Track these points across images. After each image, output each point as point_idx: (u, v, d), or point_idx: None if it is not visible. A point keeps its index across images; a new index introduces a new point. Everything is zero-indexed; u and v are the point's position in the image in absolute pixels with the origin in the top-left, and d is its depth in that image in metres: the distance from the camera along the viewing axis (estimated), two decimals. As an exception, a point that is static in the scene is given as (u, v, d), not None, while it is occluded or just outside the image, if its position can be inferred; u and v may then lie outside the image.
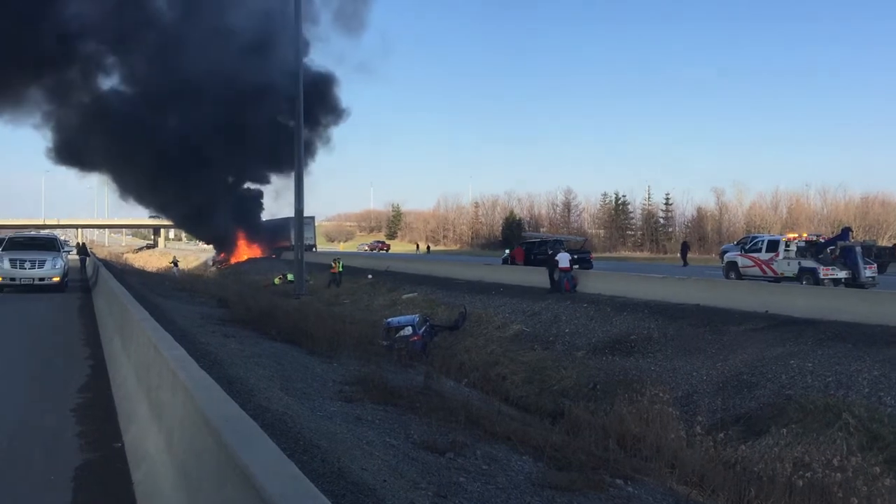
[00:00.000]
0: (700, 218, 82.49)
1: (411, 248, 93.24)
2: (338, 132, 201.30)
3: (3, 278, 22.07)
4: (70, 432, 6.52)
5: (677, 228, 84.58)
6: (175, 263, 54.62)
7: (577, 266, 27.91)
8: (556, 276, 26.20)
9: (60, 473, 5.34)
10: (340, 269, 37.89)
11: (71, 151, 58.52)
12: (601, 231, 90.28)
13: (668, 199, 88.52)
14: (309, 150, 58.46)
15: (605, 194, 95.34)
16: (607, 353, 18.98)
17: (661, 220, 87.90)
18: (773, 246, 25.01)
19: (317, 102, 57.42)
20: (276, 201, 79.78)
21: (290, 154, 37.10)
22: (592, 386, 17.23)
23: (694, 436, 12.91)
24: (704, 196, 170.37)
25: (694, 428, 13.35)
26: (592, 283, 26.27)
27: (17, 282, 22.10)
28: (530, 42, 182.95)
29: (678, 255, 48.20)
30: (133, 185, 62.97)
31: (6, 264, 22.23)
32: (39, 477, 5.30)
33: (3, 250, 24.10)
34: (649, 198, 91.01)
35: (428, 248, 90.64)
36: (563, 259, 26.22)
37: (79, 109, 55.45)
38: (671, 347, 17.98)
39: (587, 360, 19.02)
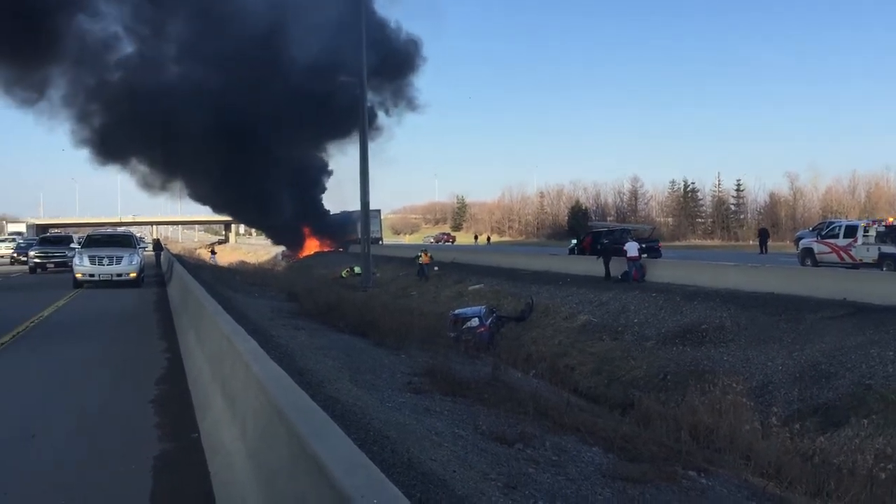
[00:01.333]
0: (773, 204, 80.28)
1: (481, 239, 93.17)
2: (403, 123, 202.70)
3: (83, 274, 22.88)
4: (149, 423, 6.72)
5: (749, 215, 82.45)
6: (212, 252, 55.95)
7: (645, 255, 27.48)
8: (613, 267, 25.93)
9: (140, 463, 5.51)
10: (428, 261, 37.25)
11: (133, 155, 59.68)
12: (669, 219, 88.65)
13: (739, 185, 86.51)
14: (376, 128, 58.80)
15: (673, 181, 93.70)
16: (678, 343, 18.65)
17: (733, 207, 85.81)
18: (850, 231, 24.17)
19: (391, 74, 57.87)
20: (338, 193, 79.72)
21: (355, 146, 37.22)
22: (663, 376, 16.96)
23: (769, 427, 12.57)
24: (777, 181, 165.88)
25: (769, 419, 13.01)
26: (661, 271, 25.85)
27: (96, 278, 22.88)
28: (595, 29, 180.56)
29: (752, 242, 46.97)
30: (201, 188, 64.32)
31: (86, 261, 23.04)
32: (121, 466, 5.48)
33: (82, 248, 25.01)
34: (719, 184, 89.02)
35: (488, 238, 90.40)
36: (632, 248, 25.86)
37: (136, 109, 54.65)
38: (745, 337, 17.56)
39: (657, 350, 18.73)
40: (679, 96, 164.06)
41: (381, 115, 63.61)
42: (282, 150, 57.84)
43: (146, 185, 64.44)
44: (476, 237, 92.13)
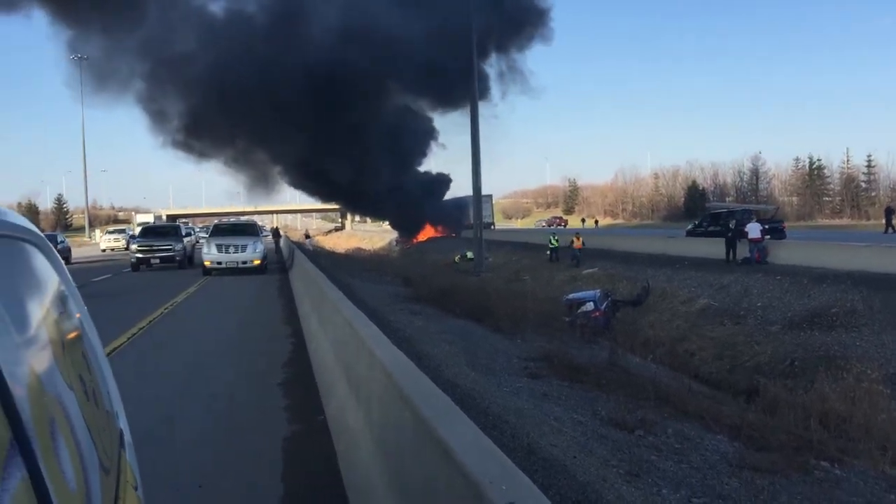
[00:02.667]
0: (908, 180, 75.27)
1: (588, 223, 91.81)
2: (514, 106, 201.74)
3: (211, 262, 24.00)
4: (277, 405, 7.00)
5: (881, 193, 77.62)
6: (307, 236, 56.84)
7: (768, 236, 26.35)
8: (739, 247, 24.95)
9: (271, 443, 5.74)
10: (581, 246, 34.09)
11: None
12: (794, 198, 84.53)
13: (869, 160, 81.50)
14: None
15: (797, 159, 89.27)
16: (805, 327, 17.83)
17: (863, 185, 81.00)
18: None
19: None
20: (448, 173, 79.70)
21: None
22: (789, 362, 16.27)
23: (909, 416, 11.88)
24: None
25: (908, 408, 12.29)
26: (786, 253, 24.78)
27: (223, 265, 23.95)
28: (711, 4, 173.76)
29: (880, 220, 44.32)
30: (311, 181, 65.93)
31: (213, 249, 24.16)
32: (252, 446, 5.73)
33: (209, 237, 26.22)
34: (848, 160, 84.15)
35: (596, 221, 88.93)
36: (754, 229, 24.85)
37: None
38: (879, 321, 16.61)
39: (782, 335, 17.97)
40: (802, 67, 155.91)
41: (494, 97, 63.32)
42: (392, 137, 58.52)
43: (258, 180, 66.29)
44: (583, 221, 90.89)
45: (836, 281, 19.79)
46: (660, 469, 6.14)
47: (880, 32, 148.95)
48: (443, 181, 68.75)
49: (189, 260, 29.96)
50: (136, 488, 1.77)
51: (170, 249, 28.37)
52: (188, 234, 34.64)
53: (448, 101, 58.61)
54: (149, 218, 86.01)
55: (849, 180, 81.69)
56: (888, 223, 40.10)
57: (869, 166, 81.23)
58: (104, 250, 49.70)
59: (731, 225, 27.95)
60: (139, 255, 28.04)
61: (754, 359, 17.16)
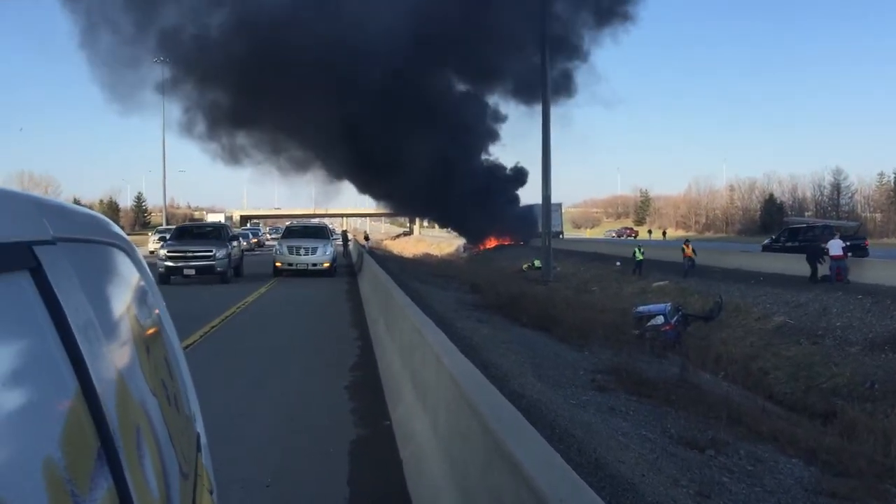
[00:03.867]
0: None
1: (655, 234, 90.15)
2: (585, 114, 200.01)
3: (283, 264, 24.37)
4: (344, 408, 7.05)
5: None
6: (366, 238, 56.86)
7: (850, 254, 25.40)
8: (822, 265, 24.09)
9: (338, 446, 5.78)
10: (692, 255, 31.92)
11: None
12: (877, 214, 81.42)
13: (960, 176, 77.98)
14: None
15: (881, 174, 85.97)
16: (887, 349, 17.12)
17: (953, 201, 77.57)
18: None
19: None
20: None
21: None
22: (870, 385, 15.63)
23: None
24: None
25: None
26: (868, 271, 23.84)
27: (294, 267, 24.29)
28: (791, 7, 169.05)
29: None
30: (382, 188, 66.60)
31: (285, 251, 24.55)
32: (319, 448, 5.78)
33: (282, 238, 26.65)
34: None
35: (664, 233, 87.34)
36: (835, 246, 23.97)
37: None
38: (968, 346, 15.83)
39: (862, 356, 17.29)
40: (887, 79, 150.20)
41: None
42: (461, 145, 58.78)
43: (327, 181, 67.15)
44: (650, 232, 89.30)
45: (922, 302, 18.96)
46: (731, 491, 5.97)
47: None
48: (518, 177, 68.28)
49: (236, 271, 24.23)
50: (211, 492, 1.79)
51: (208, 257, 22.06)
52: (239, 237, 28.60)
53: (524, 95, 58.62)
54: (219, 218, 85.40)
55: (938, 196, 78.32)
56: None
57: (959, 183, 77.75)
58: (152, 252, 50.32)
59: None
60: (169, 264, 21.79)
61: (832, 380, 16.55)
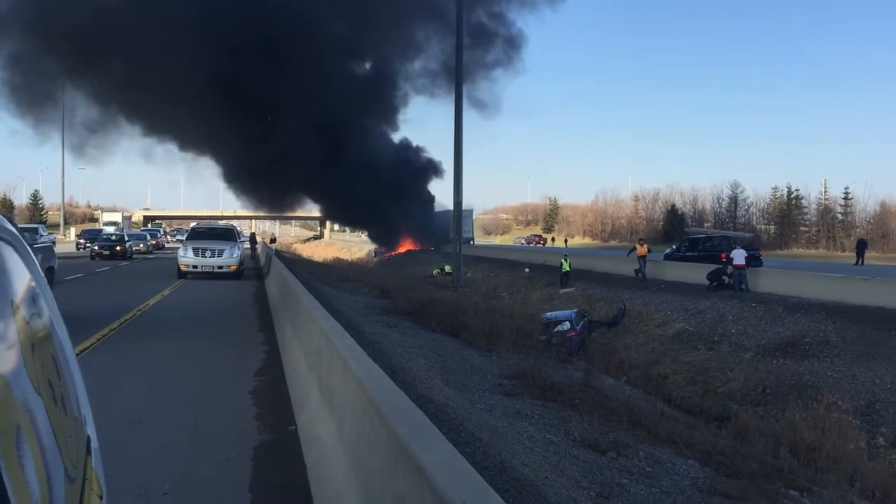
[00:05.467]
0: (883, 214, 76.30)
1: (574, 242, 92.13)
2: (495, 123, 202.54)
3: (187, 266, 23.76)
4: (248, 413, 6.91)
5: (857, 224, 78.62)
6: (272, 240, 55.51)
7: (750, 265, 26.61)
8: (728, 273, 25.14)
9: (240, 452, 5.66)
10: (646, 254, 30.90)
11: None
12: (771, 227, 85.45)
13: (847, 193, 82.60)
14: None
15: (775, 188, 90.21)
16: (778, 355, 17.98)
17: (840, 216, 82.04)
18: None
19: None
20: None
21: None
22: (762, 390, 16.38)
23: (876, 448, 12.01)
24: (889, 190, 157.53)
25: (876, 440, 12.43)
26: (762, 281, 25.00)
27: (199, 269, 23.72)
28: (694, 28, 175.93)
29: (853, 252, 45.07)
30: (295, 186, 65.07)
31: (190, 253, 23.93)
32: (220, 454, 5.64)
33: (186, 239, 25.98)
34: (826, 191, 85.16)
35: (565, 241, 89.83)
36: (738, 256, 25.06)
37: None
38: (851, 352, 16.77)
39: (756, 362, 18.09)
40: (783, 99, 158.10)
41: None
42: (373, 150, 58.19)
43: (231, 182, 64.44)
44: (552, 239, 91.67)
45: (811, 311, 19.98)
46: (630, 493, 6.14)
47: (863, 69, 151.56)
48: (431, 168, 67.93)
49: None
50: (100, 497, 1.72)
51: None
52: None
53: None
54: (115, 217, 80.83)
55: (825, 211, 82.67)
56: (860, 255, 40.70)
57: (846, 198, 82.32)
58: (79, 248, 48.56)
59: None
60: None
61: (727, 385, 17.25)
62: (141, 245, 45.84)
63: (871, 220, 77.69)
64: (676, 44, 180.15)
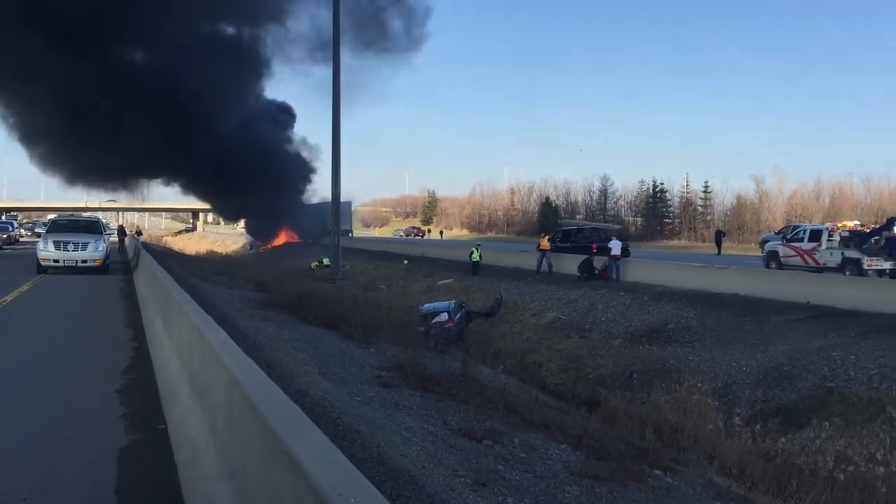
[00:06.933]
0: (739, 206, 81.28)
1: (449, 234, 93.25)
2: (373, 114, 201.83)
3: (47, 260, 22.47)
4: (114, 413, 6.62)
5: (716, 216, 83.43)
6: (139, 233, 52.25)
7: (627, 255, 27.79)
8: (597, 267, 26.11)
9: (105, 453, 5.42)
10: (548, 248, 30.86)
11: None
12: (638, 218, 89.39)
13: (706, 186, 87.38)
14: None
15: (642, 181, 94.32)
16: (644, 342, 18.84)
17: (700, 208, 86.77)
18: (815, 236, 24.53)
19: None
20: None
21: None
22: (629, 375, 17.12)
23: (733, 427, 12.78)
24: (744, 184, 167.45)
25: (733, 419, 13.22)
26: (630, 271, 26.09)
27: (61, 263, 22.49)
28: (567, 27, 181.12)
29: (713, 243, 47.92)
30: (175, 173, 62.59)
31: (50, 246, 22.64)
32: (84, 456, 5.39)
33: (47, 232, 24.56)
34: (688, 185, 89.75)
35: (441, 233, 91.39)
36: (616, 247, 26.06)
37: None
38: (710, 337, 17.79)
39: (624, 348, 18.90)
40: (649, 96, 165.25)
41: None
42: (248, 136, 56.44)
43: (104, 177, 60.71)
44: (441, 233, 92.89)
45: (674, 299, 21.05)
46: (505, 478, 6.28)
47: (720, 67, 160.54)
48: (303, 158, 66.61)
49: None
50: None
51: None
52: None
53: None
54: None
55: (687, 204, 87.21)
56: (719, 245, 43.30)
57: (706, 192, 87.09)
58: None
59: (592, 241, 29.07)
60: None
61: (597, 371, 17.94)
62: None
63: (728, 213, 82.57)
64: (547, 35, 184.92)
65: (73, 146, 52.34)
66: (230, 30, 59.50)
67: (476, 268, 31.72)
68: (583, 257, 27.60)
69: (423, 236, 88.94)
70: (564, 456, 7.61)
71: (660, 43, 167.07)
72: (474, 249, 32.49)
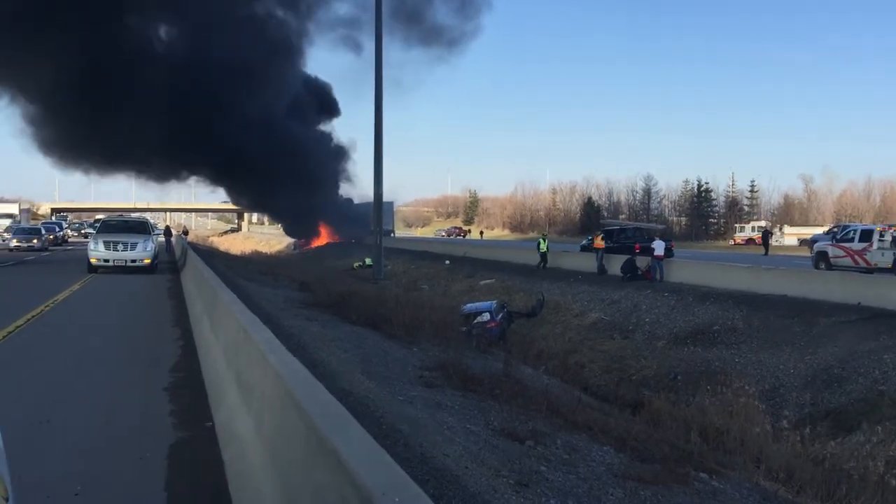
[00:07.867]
0: (787, 206, 79.89)
1: (489, 234, 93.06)
2: (416, 115, 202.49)
3: (98, 260, 22.98)
4: (163, 411, 6.74)
5: (762, 216, 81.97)
6: (185, 233, 52.91)
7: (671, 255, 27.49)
8: (636, 263, 25.82)
9: (154, 451, 5.52)
10: (545, 250, 32.01)
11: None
12: (682, 218, 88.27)
13: (753, 186, 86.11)
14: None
15: (686, 181, 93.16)
16: (689, 343, 18.60)
17: (746, 208, 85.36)
18: (866, 236, 23.98)
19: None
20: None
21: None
22: (673, 377, 16.92)
23: (780, 430, 12.56)
24: (792, 183, 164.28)
25: (780, 422, 12.99)
26: (674, 271, 25.79)
27: (111, 263, 22.98)
28: (610, 25, 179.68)
29: (758, 243, 47.11)
30: (221, 178, 63.45)
31: (101, 246, 23.14)
32: (134, 453, 5.50)
33: (97, 233, 25.12)
34: (733, 184, 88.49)
35: (481, 233, 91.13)
36: (659, 247, 25.79)
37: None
38: (757, 339, 17.50)
39: (668, 350, 18.68)
40: (695, 95, 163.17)
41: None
42: (294, 139, 57.07)
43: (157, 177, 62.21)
44: (481, 233, 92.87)
45: (719, 300, 20.74)
46: (548, 480, 6.25)
47: (769, 65, 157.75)
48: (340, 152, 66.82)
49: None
50: (6, 499, 1.66)
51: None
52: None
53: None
54: (11, 209, 71.82)
55: (733, 203, 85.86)
56: (766, 245, 42.50)
57: (752, 191, 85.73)
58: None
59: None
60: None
61: (641, 372, 17.76)
62: (35, 241, 39.43)
63: (775, 212, 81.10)
64: (590, 40, 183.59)
65: (102, 136, 52.74)
66: (278, 12, 60.29)
67: (544, 259, 31.47)
68: (625, 257, 27.34)
69: (464, 236, 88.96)
70: (608, 458, 7.56)
71: (706, 42, 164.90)
72: (541, 240, 32.31)
